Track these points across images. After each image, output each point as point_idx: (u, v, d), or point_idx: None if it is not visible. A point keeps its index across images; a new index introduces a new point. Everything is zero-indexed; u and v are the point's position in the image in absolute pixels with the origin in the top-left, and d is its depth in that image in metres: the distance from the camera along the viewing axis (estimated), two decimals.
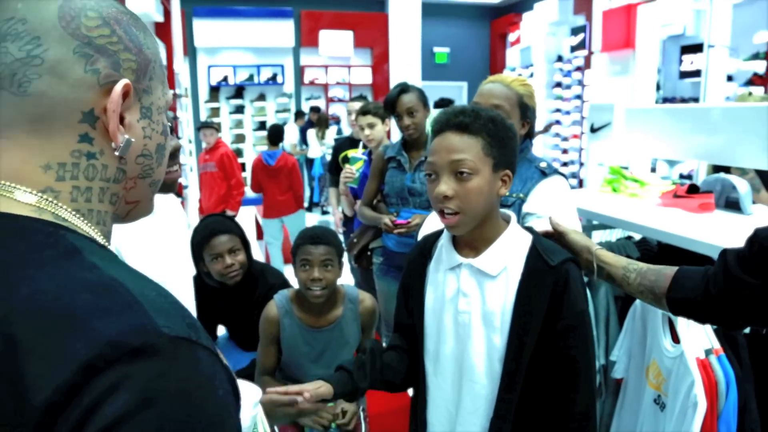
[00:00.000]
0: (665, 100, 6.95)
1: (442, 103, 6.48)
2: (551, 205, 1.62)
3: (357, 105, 3.91)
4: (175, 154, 1.49)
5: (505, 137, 1.22)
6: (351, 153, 3.84)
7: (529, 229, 1.31)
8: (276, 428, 2.05)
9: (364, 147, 3.34)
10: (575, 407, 1.21)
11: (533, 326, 1.19)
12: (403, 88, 2.64)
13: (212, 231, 2.15)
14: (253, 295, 2.22)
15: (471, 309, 1.25)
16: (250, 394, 1.01)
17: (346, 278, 3.55)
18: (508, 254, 1.24)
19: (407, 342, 1.42)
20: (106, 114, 0.59)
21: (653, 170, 5.34)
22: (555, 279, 1.20)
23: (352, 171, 3.19)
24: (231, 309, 2.29)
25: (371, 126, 3.21)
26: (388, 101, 2.64)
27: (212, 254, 2.14)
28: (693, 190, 2.00)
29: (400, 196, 2.65)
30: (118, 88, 0.59)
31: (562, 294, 1.19)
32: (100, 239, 0.60)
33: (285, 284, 2.00)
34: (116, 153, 0.60)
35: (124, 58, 0.61)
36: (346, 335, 1.99)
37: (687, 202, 1.96)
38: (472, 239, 1.26)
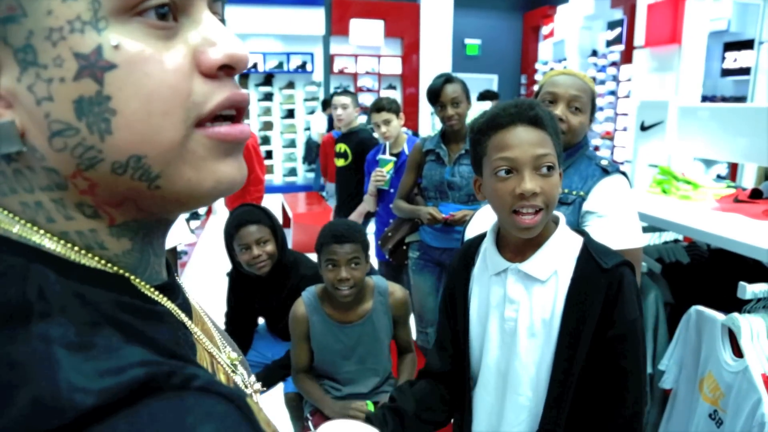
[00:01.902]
0: (705, 98, 6.74)
1: (487, 95, 6.30)
2: (613, 205, 1.55)
3: (343, 99, 3.81)
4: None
5: (560, 136, 1.17)
6: (339, 147, 3.80)
7: (580, 231, 1.23)
8: (310, 417, 2.01)
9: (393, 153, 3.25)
10: (619, 421, 1.13)
11: (585, 333, 1.11)
12: (448, 78, 2.58)
13: (240, 221, 2.12)
14: (286, 286, 2.19)
15: (518, 316, 1.17)
16: None
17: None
18: (558, 257, 1.16)
19: (450, 362, 1.32)
20: None
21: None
22: (608, 283, 1.11)
23: (383, 174, 3.14)
24: (265, 300, 2.26)
25: (387, 122, 3.14)
26: (432, 91, 2.57)
27: (240, 245, 2.11)
28: (756, 195, 1.89)
29: (439, 190, 2.58)
30: None
31: (615, 299, 1.11)
32: (102, 266, 0.42)
33: (317, 275, 1.95)
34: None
35: None
36: (377, 329, 1.94)
37: (750, 208, 1.86)
38: (519, 242, 1.18)
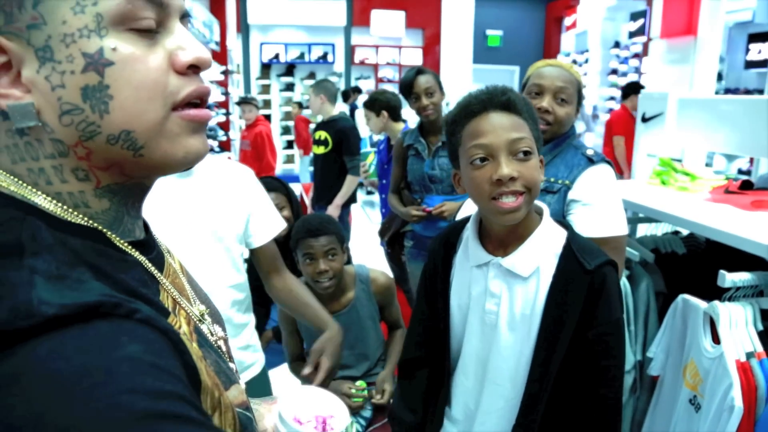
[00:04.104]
0: (727, 90, 6.64)
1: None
2: (598, 194, 1.59)
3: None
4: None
5: (537, 120, 1.15)
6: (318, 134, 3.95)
7: (564, 224, 1.20)
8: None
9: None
10: (600, 414, 1.13)
11: (564, 334, 1.09)
12: (420, 69, 2.65)
13: None
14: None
15: (498, 310, 1.16)
16: (339, 416, 0.78)
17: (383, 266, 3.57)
18: (541, 253, 1.13)
19: (432, 341, 1.32)
20: None
21: (708, 165, 5.12)
22: (590, 284, 1.09)
23: (364, 166, 3.25)
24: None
25: (366, 119, 3.51)
26: (405, 83, 2.62)
27: None
28: (746, 186, 1.91)
29: (422, 185, 2.65)
30: None
31: (597, 301, 1.09)
32: (85, 222, 0.53)
33: (291, 267, 1.98)
34: (15, 125, 0.50)
35: None
36: (363, 317, 1.98)
37: (738, 199, 1.88)
38: (502, 234, 1.15)
